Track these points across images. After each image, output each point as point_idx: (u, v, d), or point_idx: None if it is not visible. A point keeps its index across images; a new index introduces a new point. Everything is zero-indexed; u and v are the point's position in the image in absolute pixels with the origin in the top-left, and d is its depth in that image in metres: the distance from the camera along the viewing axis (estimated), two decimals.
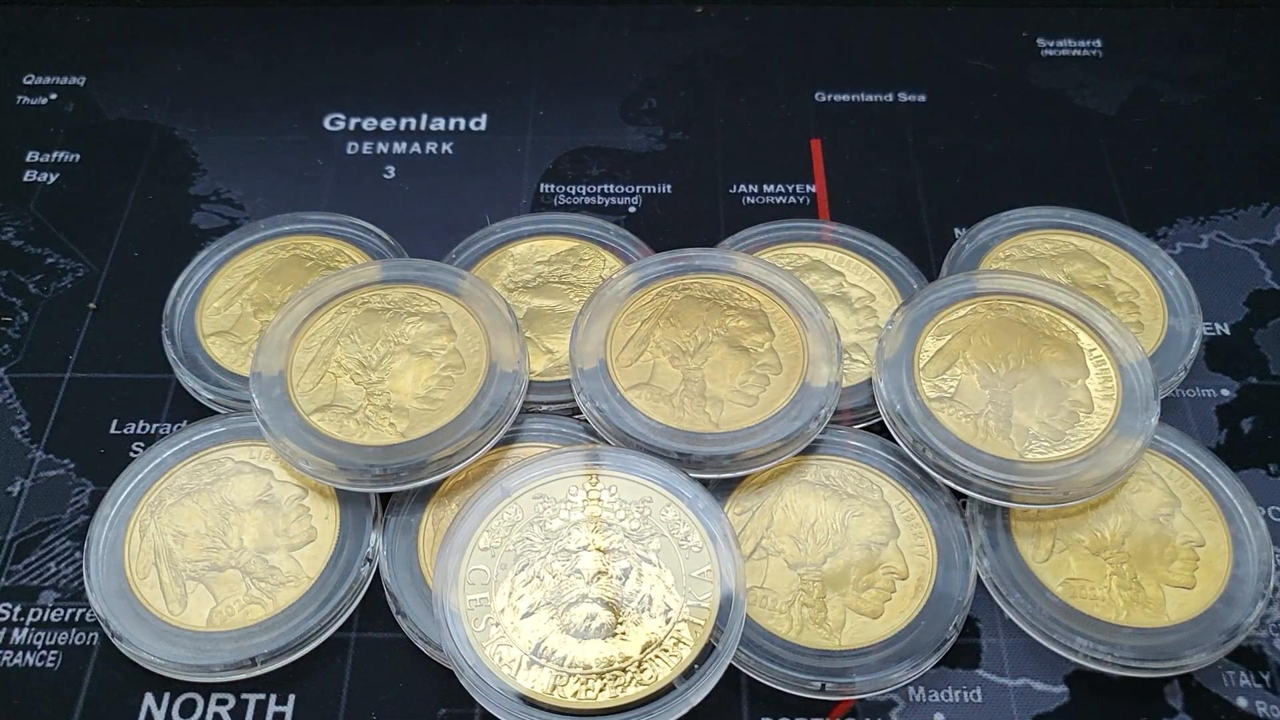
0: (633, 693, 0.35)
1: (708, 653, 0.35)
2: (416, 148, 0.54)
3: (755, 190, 0.52)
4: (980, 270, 0.46)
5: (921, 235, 0.50)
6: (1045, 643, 0.38)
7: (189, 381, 0.44)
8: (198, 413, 0.44)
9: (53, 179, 0.52)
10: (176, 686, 0.38)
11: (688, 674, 0.35)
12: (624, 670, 0.35)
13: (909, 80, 0.57)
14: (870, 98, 0.56)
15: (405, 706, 0.38)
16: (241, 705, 0.37)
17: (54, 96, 0.56)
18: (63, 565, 0.40)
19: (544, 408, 0.43)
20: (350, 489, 0.40)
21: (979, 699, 0.38)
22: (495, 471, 0.40)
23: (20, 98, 0.56)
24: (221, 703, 0.38)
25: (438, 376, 0.41)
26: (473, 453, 0.40)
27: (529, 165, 0.53)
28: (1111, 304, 0.45)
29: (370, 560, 0.39)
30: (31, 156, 0.53)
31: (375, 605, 0.39)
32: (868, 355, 0.44)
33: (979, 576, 0.39)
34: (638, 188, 0.52)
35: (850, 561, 0.39)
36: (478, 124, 0.55)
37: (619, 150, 0.54)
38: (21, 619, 0.39)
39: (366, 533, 0.40)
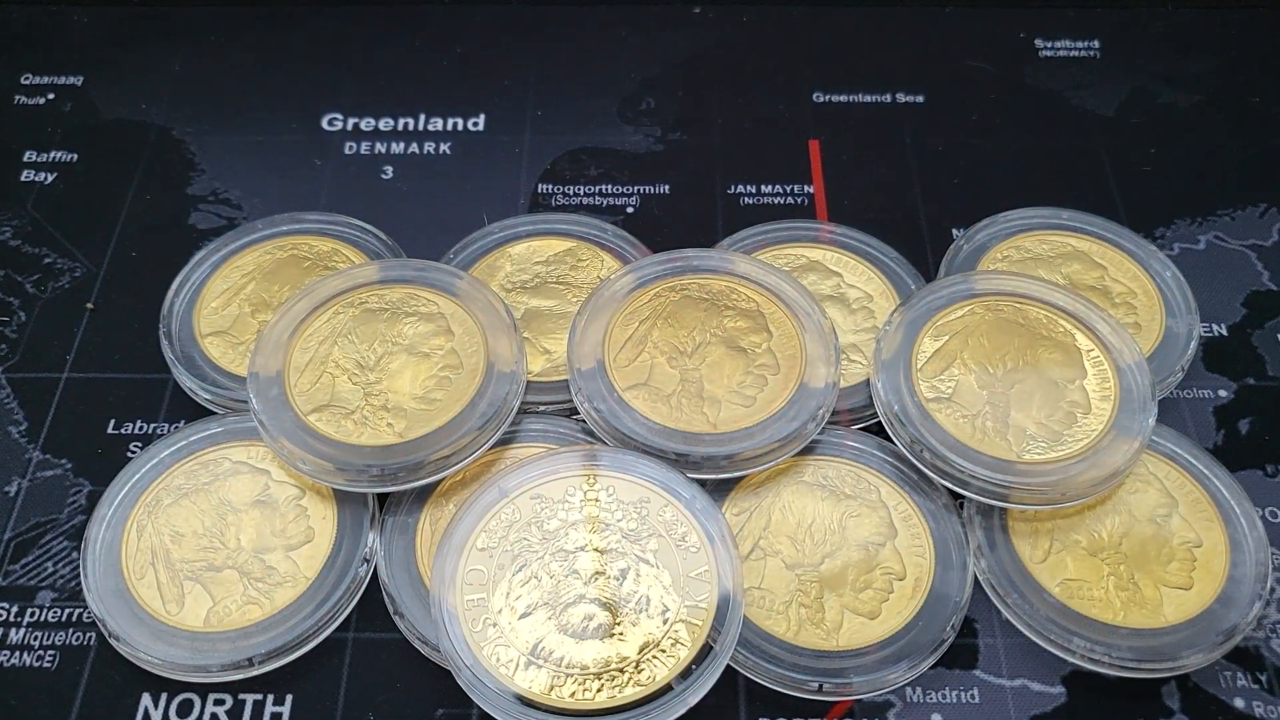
0: (630, 693, 0.35)
1: (705, 653, 0.35)
2: (414, 148, 0.54)
3: (753, 191, 0.52)
4: (978, 271, 0.46)
5: (919, 236, 0.50)
6: (1042, 643, 0.38)
7: (186, 381, 0.43)
8: (195, 413, 0.44)
9: (50, 179, 0.52)
10: (174, 687, 0.38)
11: (685, 674, 0.35)
12: (621, 671, 0.35)
13: (907, 81, 0.57)
14: (868, 98, 0.56)
15: (403, 707, 0.38)
16: (239, 705, 0.37)
17: (51, 96, 0.56)
18: (60, 565, 0.40)
19: (541, 408, 0.43)
20: (348, 489, 0.40)
21: (976, 699, 0.38)
22: (493, 472, 0.40)
23: (18, 97, 0.56)
24: (219, 703, 0.37)
25: (435, 377, 0.41)
26: (470, 453, 0.40)
27: (527, 165, 0.53)
28: (1109, 305, 0.45)
29: (368, 560, 0.39)
30: (29, 156, 0.53)
31: (373, 605, 0.39)
32: (865, 356, 0.44)
33: (976, 577, 0.39)
34: (636, 188, 0.52)
35: (848, 562, 0.39)
36: (475, 124, 0.55)
37: (617, 151, 0.54)
38: (19, 619, 0.39)
39: (364, 533, 0.40)
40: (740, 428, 0.40)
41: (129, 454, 0.43)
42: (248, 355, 0.42)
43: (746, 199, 0.52)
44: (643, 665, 0.35)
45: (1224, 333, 0.47)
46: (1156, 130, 0.54)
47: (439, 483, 0.40)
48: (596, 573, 0.37)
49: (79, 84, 0.56)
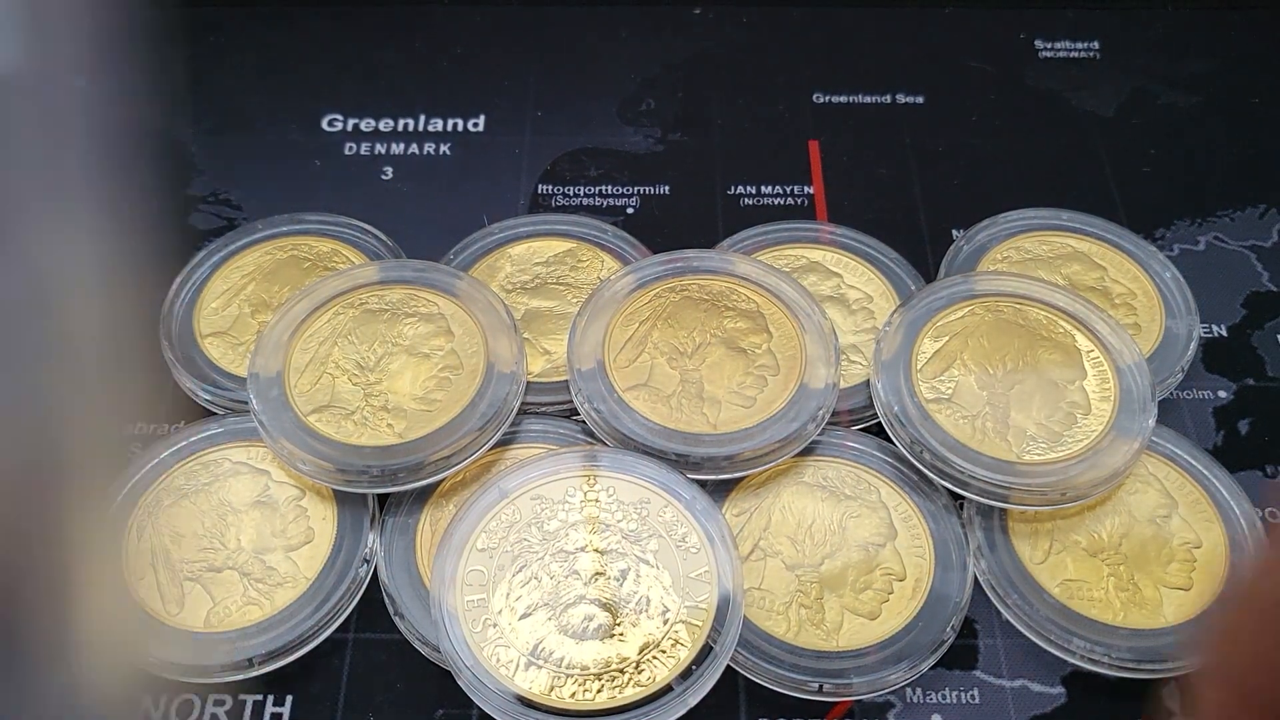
0: (630, 694, 0.35)
1: (705, 654, 0.35)
2: (414, 148, 0.54)
3: (753, 191, 0.52)
4: (978, 272, 0.46)
5: (919, 237, 0.50)
6: (1042, 644, 0.38)
7: (186, 382, 0.43)
8: (195, 413, 0.44)
9: None
10: (174, 687, 0.38)
11: (685, 675, 0.35)
12: (621, 671, 0.35)
13: (907, 82, 0.57)
14: (868, 99, 0.56)
15: (403, 707, 0.38)
16: (239, 706, 0.37)
17: None
18: None
19: (542, 409, 0.43)
20: (348, 490, 0.39)
21: (976, 700, 0.38)
22: (493, 473, 0.40)
23: None
24: (219, 704, 0.37)
25: (435, 377, 0.41)
26: (470, 454, 0.40)
27: (527, 166, 0.53)
28: (1109, 305, 0.45)
29: (368, 561, 0.39)
30: None
31: (373, 606, 0.39)
32: (865, 356, 0.44)
33: (976, 578, 0.39)
34: (636, 189, 0.52)
35: (848, 563, 0.39)
36: (475, 125, 0.55)
37: (617, 151, 0.54)
38: None
39: (364, 533, 0.39)
40: (740, 428, 0.40)
41: (129, 454, 0.43)
42: (248, 356, 0.42)
43: (746, 199, 0.52)
44: (643, 666, 0.35)
45: (1224, 333, 0.47)
46: (1156, 131, 0.54)
47: (439, 483, 0.40)
48: (596, 573, 0.37)
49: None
